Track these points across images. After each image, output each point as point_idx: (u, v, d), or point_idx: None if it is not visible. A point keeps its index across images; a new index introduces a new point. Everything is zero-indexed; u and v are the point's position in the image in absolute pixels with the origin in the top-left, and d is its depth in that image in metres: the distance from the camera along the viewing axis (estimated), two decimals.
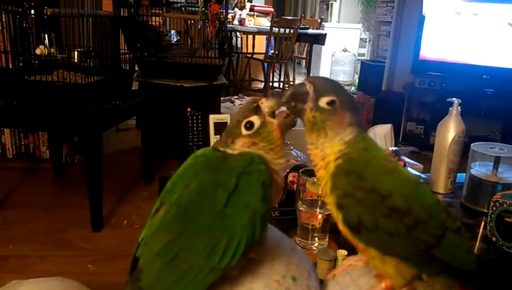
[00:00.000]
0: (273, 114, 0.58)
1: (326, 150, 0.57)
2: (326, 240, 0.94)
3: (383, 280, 0.58)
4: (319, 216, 0.91)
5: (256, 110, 0.57)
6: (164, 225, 0.53)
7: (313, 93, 0.57)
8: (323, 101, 0.56)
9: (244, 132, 0.56)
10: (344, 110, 0.57)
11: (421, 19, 3.26)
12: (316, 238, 0.93)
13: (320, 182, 0.59)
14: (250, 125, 0.56)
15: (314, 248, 0.92)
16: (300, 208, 0.93)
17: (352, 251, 0.84)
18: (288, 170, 1.18)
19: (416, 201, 0.54)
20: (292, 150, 1.31)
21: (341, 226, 0.56)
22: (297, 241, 0.94)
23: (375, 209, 0.53)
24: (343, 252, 0.84)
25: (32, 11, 2.34)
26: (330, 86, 0.58)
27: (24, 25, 2.44)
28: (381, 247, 0.55)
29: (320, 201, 0.92)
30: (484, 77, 3.19)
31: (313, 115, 0.57)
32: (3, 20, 2.41)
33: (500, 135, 3.41)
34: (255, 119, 0.57)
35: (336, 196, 0.55)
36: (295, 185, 1.08)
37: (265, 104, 0.57)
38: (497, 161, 1.14)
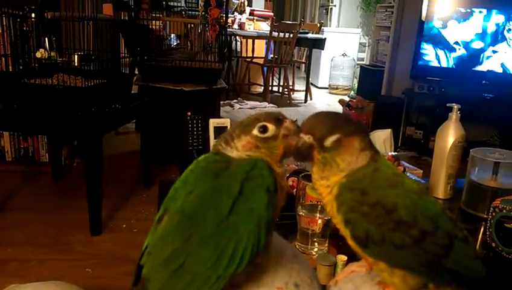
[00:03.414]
0: (286, 136, 0.57)
1: (332, 179, 0.57)
2: (326, 245, 0.94)
3: (386, 288, 0.58)
4: (319, 221, 0.91)
5: (277, 123, 0.57)
6: (168, 233, 0.53)
7: (315, 142, 0.56)
8: (328, 143, 0.56)
9: (255, 131, 0.56)
10: (351, 138, 0.57)
11: (421, 24, 3.27)
12: (316, 243, 0.93)
13: (327, 208, 0.59)
14: (263, 130, 0.56)
15: (314, 253, 0.92)
16: (300, 213, 0.93)
17: (352, 256, 0.84)
18: (288, 175, 1.18)
19: (421, 213, 0.54)
20: None
21: (350, 242, 0.57)
22: (297, 246, 0.94)
23: (381, 223, 0.53)
24: (343, 257, 0.84)
25: (33, 15, 2.35)
26: (329, 125, 0.57)
27: (24, 28, 2.44)
28: (389, 260, 0.55)
29: (320, 206, 0.92)
30: (483, 82, 3.21)
31: (322, 156, 0.57)
32: (4, 23, 2.41)
33: (499, 140, 3.42)
34: (271, 128, 0.56)
35: (342, 213, 0.56)
36: (295, 190, 1.08)
37: (287, 124, 0.57)
38: (496, 166, 1.14)
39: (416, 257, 0.54)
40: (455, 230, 0.56)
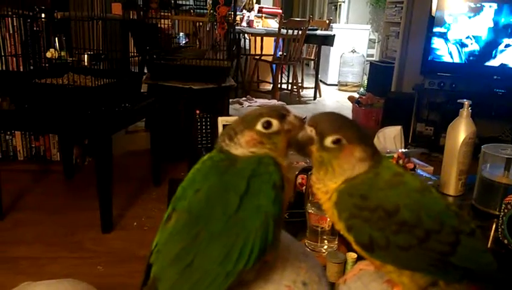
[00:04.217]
0: (289, 131, 0.57)
1: (329, 185, 0.56)
2: (336, 242, 0.93)
3: (395, 286, 0.58)
4: (328, 219, 0.90)
5: (281, 118, 0.56)
6: (176, 231, 0.53)
7: (316, 136, 0.56)
8: (328, 141, 0.55)
9: (258, 127, 0.55)
10: (353, 146, 0.55)
11: (430, 19, 3.24)
12: (326, 241, 0.93)
13: (327, 214, 0.59)
14: (267, 125, 0.55)
15: (324, 251, 0.92)
16: (309, 211, 0.92)
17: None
18: (297, 172, 1.18)
19: (424, 211, 0.53)
20: None
21: (355, 247, 0.56)
22: (306, 244, 0.93)
23: (384, 226, 0.52)
24: (353, 254, 0.84)
25: (43, 15, 2.36)
26: (334, 124, 0.56)
27: (35, 28, 2.46)
28: (396, 262, 0.54)
29: None
30: (494, 77, 3.17)
31: (320, 154, 0.56)
32: (15, 23, 2.44)
33: (511, 136, 3.38)
34: (275, 123, 0.56)
35: (343, 220, 0.55)
36: (304, 187, 1.07)
37: (291, 119, 0.57)
38: (508, 162, 1.13)
39: (423, 257, 0.53)
40: (461, 225, 0.55)
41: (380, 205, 0.53)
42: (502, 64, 3.17)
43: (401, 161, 1.24)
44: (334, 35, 5.31)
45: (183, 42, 3.72)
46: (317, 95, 5.45)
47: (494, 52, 3.17)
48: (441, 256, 0.53)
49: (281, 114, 0.56)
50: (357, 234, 0.54)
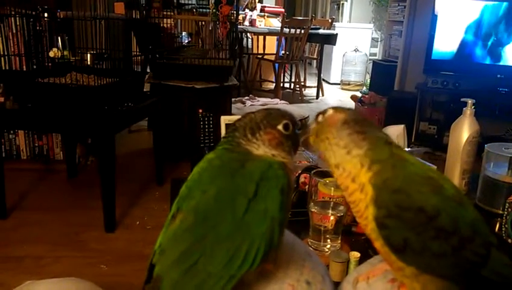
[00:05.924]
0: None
1: (353, 172, 0.54)
2: (339, 241, 0.93)
3: (401, 287, 0.57)
4: (331, 218, 0.90)
5: (294, 123, 0.59)
6: (182, 232, 0.52)
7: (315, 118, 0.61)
8: (319, 118, 0.61)
9: (280, 127, 0.57)
10: (336, 113, 0.59)
11: (434, 18, 3.23)
12: (329, 240, 0.92)
13: (353, 206, 0.55)
14: (287, 128, 0.57)
15: (327, 250, 0.92)
16: (312, 210, 0.92)
17: (365, 253, 0.84)
18: (300, 171, 1.17)
19: (461, 219, 0.51)
20: (304, 151, 1.30)
21: (380, 246, 0.53)
22: (309, 243, 0.93)
23: (422, 230, 0.50)
24: (356, 254, 0.84)
25: (46, 14, 2.37)
26: (331, 107, 0.61)
27: (37, 28, 2.47)
28: (424, 268, 0.52)
29: (332, 202, 0.91)
30: (498, 76, 3.16)
31: (315, 130, 0.59)
32: (17, 23, 2.44)
33: None
34: (291, 128, 0.58)
35: (379, 217, 0.51)
36: (307, 186, 1.07)
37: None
38: None
39: (454, 266, 0.51)
40: (491, 237, 0.53)
41: (422, 208, 0.50)
42: (505, 63, 3.16)
43: None
44: (336, 34, 5.30)
45: (186, 41, 3.72)
46: (320, 94, 5.44)
47: (497, 50, 3.16)
48: (472, 267, 0.51)
49: (294, 120, 0.59)
50: (391, 233, 0.51)
